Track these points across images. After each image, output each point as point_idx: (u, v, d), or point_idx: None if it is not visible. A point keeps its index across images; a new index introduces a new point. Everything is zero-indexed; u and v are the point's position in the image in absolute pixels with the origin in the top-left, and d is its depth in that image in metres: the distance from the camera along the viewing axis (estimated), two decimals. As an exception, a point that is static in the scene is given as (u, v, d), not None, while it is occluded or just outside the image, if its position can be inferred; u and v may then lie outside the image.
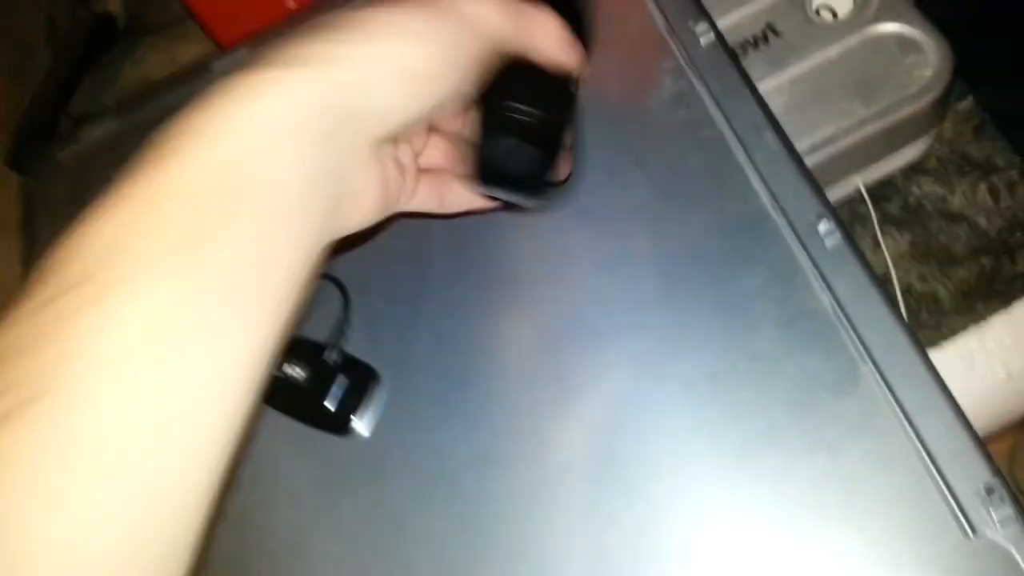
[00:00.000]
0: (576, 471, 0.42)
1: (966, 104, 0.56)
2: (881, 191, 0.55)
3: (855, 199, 0.55)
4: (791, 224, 0.46)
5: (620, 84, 0.53)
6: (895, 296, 0.52)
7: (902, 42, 0.50)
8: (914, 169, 0.55)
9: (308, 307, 0.28)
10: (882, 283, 0.44)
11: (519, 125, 0.35)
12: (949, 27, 0.51)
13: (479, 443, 0.44)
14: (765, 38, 0.52)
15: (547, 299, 0.47)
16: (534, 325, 0.47)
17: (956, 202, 0.55)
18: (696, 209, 0.48)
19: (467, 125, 0.37)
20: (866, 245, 0.54)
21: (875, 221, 0.54)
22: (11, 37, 0.79)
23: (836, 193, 0.53)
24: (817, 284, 0.44)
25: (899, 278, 0.54)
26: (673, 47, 0.52)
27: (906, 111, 0.48)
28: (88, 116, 0.81)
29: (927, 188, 0.56)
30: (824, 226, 0.45)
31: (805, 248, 0.46)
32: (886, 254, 0.53)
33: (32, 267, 0.24)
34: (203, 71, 0.64)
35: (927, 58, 0.49)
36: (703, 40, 0.52)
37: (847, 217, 0.56)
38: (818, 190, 0.47)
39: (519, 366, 0.46)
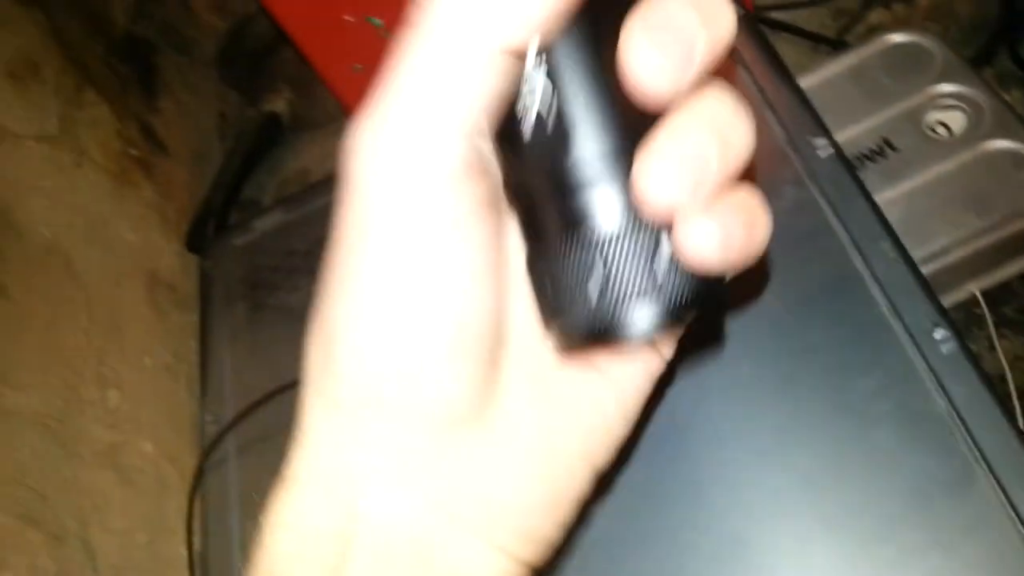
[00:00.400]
0: (702, 553, 0.46)
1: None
2: (998, 293, 0.58)
3: (971, 301, 0.57)
4: (908, 330, 0.49)
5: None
6: (1011, 398, 0.54)
7: (1015, 158, 0.53)
8: (1030, 274, 0.58)
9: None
10: (997, 387, 0.46)
11: None
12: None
13: (613, 523, 0.48)
14: (882, 152, 0.56)
15: (674, 392, 0.52)
16: (664, 416, 0.51)
17: (1073, 307, 0.57)
18: (816, 313, 0.51)
19: None
20: (982, 346, 0.57)
21: (991, 323, 0.56)
22: (195, 131, 0.90)
23: (952, 297, 0.56)
24: (933, 388, 0.47)
25: (1015, 379, 0.56)
26: (794, 159, 0.57)
27: (1019, 224, 0.51)
28: (259, 207, 0.91)
29: (1044, 292, 0.58)
30: (940, 333, 0.48)
31: (922, 353, 0.49)
32: (1001, 356, 0.56)
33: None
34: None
35: (1041, 168, 0.52)
36: (822, 153, 0.56)
37: (963, 319, 0.58)
38: (934, 298, 0.50)
39: (649, 454, 0.50)
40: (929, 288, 0.50)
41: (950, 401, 0.47)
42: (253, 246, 0.75)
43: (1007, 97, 0.58)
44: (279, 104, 0.89)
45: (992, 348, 0.57)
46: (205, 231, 0.82)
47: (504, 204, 0.26)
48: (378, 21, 0.69)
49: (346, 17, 0.68)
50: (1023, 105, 0.61)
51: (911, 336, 0.49)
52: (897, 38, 0.58)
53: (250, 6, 1.01)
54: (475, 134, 0.23)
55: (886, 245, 0.53)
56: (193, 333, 0.79)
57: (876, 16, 0.74)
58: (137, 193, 0.78)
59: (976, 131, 0.55)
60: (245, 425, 0.64)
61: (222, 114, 0.98)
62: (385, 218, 0.23)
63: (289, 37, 0.69)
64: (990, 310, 0.56)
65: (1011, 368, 0.56)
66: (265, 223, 0.76)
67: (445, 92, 0.22)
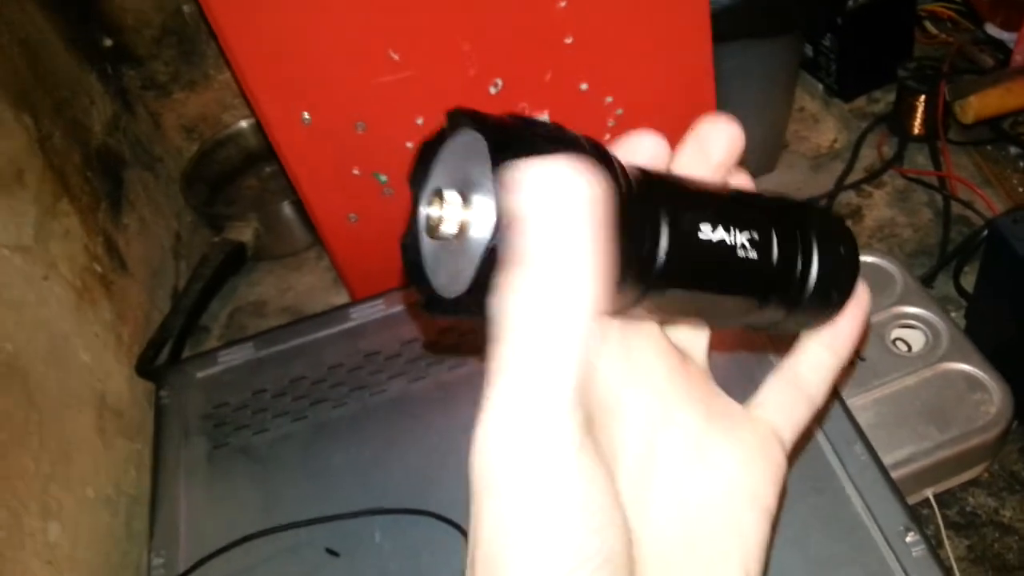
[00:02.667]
0: None
1: (1014, 429, 0.66)
2: (942, 497, 0.64)
3: (922, 503, 0.63)
4: (882, 531, 0.54)
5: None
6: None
7: (969, 380, 0.60)
8: (970, 481, 0.64)
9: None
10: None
11: None
12: (1000, 367, 0.62)
13: None
14: (852, 362, 0.61)
15: None
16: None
17: (1007, 515, 0.63)
18: (797, 510, 0.55)
19: None
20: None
21: (940, 524, 0.62)
22: (153, 250, 0.89)
23: (909, 500, 0.61)
24: (906, 587, 0.51)
25: (959, 579, 0.61)
26: (771, 353, 0.62)
27: (975, 441, 0.57)
28: (208, 335, 0.90)
29: (980, 499, 0.64)
30: (911, 537, 0.53)
31: (895, 554, 0.53)
32: (950, 555, 0.61)
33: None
34: (344, 317, 0.73)
35: (991, 397, 0.59)
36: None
37: (912, 518, 0.63)
38: (904, 502, 0.54)
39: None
40: (899, 492, 0.55)
41: (920, 601, 0.51)
42: (216, 380, 0.73)
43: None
44: (246, 234, 0.88)
45: (940, 546, 0.61)
46: (157, 357, 0.79)
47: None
48: (383, 177, 0.71)
49: (354, 171, 0.70)
50: (964, 324, 0.69)
51: (885, 537, 0.53)
52: (862, 259, 0.65)
53: (219, 131, 1.02)
54: (582, 395, 0.24)
55: (859, 448, 0.58)
56: (136, 463, 0.75)
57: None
58: (96, 312, 0.76)
59: (934, 351, 0.62)
60: (201, 572, 0.61)
61: (178, 235, 0.97)
62: (527, 511, 0.24)
63: (292, 181, 0.70)
64: (939, 509, 0.62)
65: (957, 567, 0.61)
66: (231, 357, 0.74)
67: (553, 368, 0.23)
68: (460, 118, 0.24)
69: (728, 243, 0.28)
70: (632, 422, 0.30)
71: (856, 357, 0.61)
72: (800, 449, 0.58)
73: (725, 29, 0.70)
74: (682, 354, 0.32)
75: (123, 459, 0.74)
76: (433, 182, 0.25)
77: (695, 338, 0.34)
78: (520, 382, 0.23)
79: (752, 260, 0.28)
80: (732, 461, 0.30)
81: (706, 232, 0.27)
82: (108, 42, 0.93)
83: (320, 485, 0.64)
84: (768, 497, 0.30)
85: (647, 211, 0.26)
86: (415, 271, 0.26)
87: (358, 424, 0.66)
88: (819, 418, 0.59)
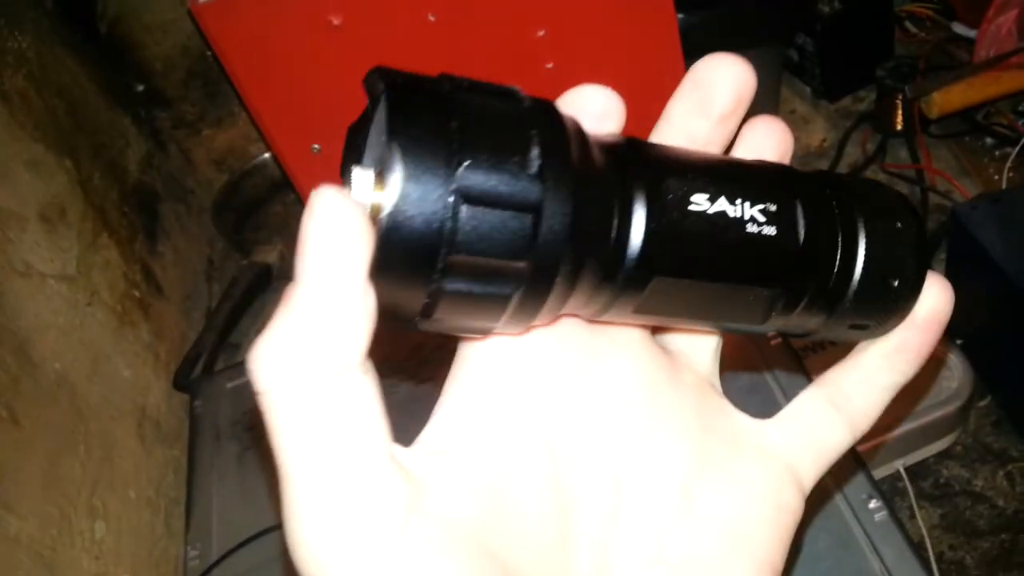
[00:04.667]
0: None
1: (986, 403, 0.70)
2: (918, 469, 0.68)
3: (895, 476, 0.66)
4: (847, 499, 0.58)
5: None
6: (930, 563, 0.62)
7: (933, 358, 0.64)
8: (944, 454, 0.68)
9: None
10: (919, 550, 0.55)
11: None
12: (971, 344, 0.65)
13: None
14: (822, 344, 0.66)
15: None
16: None
17: (979, 484, 0.67)
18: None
19: None
20: (904, 515, 0.66)
21: (912, 496, 0.65)
22: (187, 275, 0.96)
23: (881, 472, 0.65)
24: (868, 550, 0.56)
25: (932, 545, 0.64)
26: (752, 350, 0.66)
27: (938, 414, 0.61)
28: (241, 351, 0.97)
29: (954, 471, 0.68)
30: (874, 504, 0.57)
31: (858, 520, 0.57)
32: (921, 524, 0.64)
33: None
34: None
35: (954, 373, 0.63)
36: (773, 342, 0.66)
37: (888, 490, 0.67)
38: (867, 472, 0.59)
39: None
40: (863, 463, 0.59)
41: (882, 561, 0.55)
42: (245, 390, 0.80)
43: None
44: (272, 256, 0.96)
45: (912, 516, 0.65)
46: (192, 371, 0.86)
47: None
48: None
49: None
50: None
51: (849, 505, 0.58)
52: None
53: (245, 163, 1.10)
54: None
55: (826, 424, 0.62)
56: (174, 468, 0.82)
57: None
58: (135, 333, 0.83)
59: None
60: (230, 562, 0.67)
61: (210, 260, 1.05)
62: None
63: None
64: (911, 483, 0.66)
65: (928, 535, 0.64)
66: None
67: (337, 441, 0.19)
68: (375, 84, 0.20)
69: (732, 215, 0.21)
70: (595, 458, 0.23)
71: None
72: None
73: (697, 45, 0.75)
74: (676, 363, 0.26)
75: (162, 464, 0.81)
76: (352, 162, 0.20)
77: (697, 339, 0.27)
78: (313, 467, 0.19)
79: (769, 237, 0.21)
80: (728, 508, 0.24)
81: (699, 202, 0.21)
82: (140, 87, 1.02)
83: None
84: (772, 552, 0.24)
85: (613, 185, 0.20)
86: None
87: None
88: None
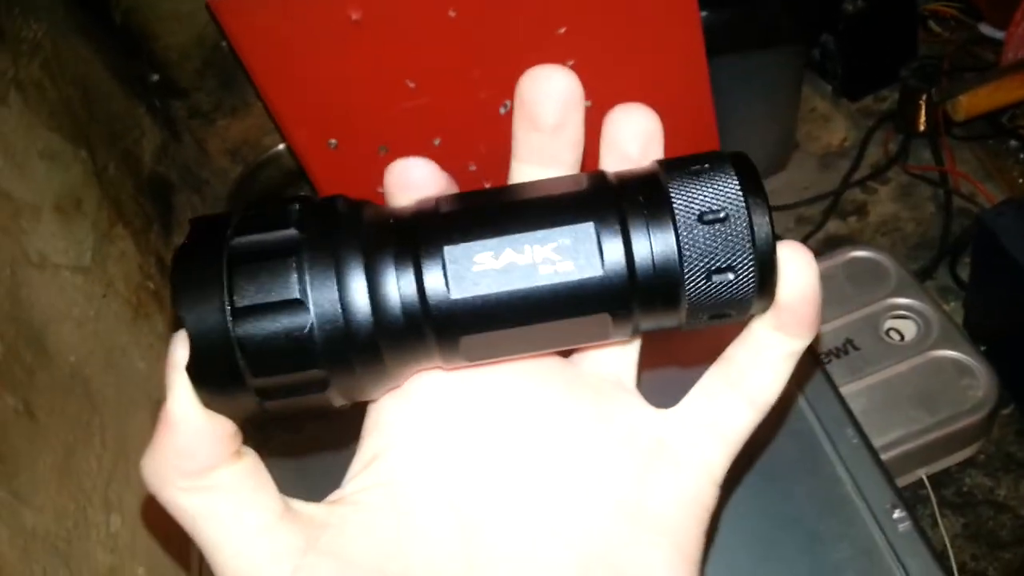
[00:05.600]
0: None
1: (1010, 411, 0.69)
2: (940, 477, 0.67)
3: (918, 484, 0.66)
4: (870, 509, 0.57)
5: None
6: (953, 573, 0.62)
7: (958, 366, 0.63)
8: (967, 462, 0.67)
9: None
10: (943, 560, 0.54)
11: None
12: (996, 351, 0.65)
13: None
14: (846, 350, 0.65)
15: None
16: None
17: (1002, 493, 0.66)
18: (791, 488, 0.59)
19: None
20: (926, 524, 0.65)
21: (935, 504, 0.65)
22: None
23: (903, 480, 0.64)
24: (892, 561, 0.55)
25: (955, 555, 0.64)
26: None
27: (962, 423, 0.61)
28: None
29: (977, 479, 0.67)
30: (897, 513, 0.57)
31: (882, 530, 0.56)
32: (944, 533, 0.64)
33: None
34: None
35: (979, 382, 0.62)
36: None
37: (911, 497, 0.66)
38: (891, 481, 0.58)
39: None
40: (887, 472, 0.58)
41: (906, 573, 0.54)
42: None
43: (946, 308, 0.69)
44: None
45: (935, 525, 0.65)
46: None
47: None
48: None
49: (379, 190, 0.76)
50: (960, 314, 0.73)
51: (873, 514, 0.57)
52: (858, 253, 0.69)
53: (260, 154, 1.09)
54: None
55: (850, 431, 0.61)
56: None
57: (834, 226, 0.87)
58: (150, 325, 0.83)
59: (925, 340, 0.65)
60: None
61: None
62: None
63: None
64: (933, 492, 0.65)
65: (951, 545, 0.64)
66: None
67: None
68: (193, 232, 0.24)
69: (523, 263, 0.22)
70: (494, 474, 0.25)
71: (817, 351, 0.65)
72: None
73: (720, 44, 0.74)
74: (577, 369, 0.27)
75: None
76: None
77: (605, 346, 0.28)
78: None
79: (566, 273, 0.23)
80: (632, 497, 0.25)
81: (483, 261, 0.22)
82: (155, 77, 1.01)
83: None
84: (685, 534, 0.25)
85: (399, 262, 0.23)
86: None
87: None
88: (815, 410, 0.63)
